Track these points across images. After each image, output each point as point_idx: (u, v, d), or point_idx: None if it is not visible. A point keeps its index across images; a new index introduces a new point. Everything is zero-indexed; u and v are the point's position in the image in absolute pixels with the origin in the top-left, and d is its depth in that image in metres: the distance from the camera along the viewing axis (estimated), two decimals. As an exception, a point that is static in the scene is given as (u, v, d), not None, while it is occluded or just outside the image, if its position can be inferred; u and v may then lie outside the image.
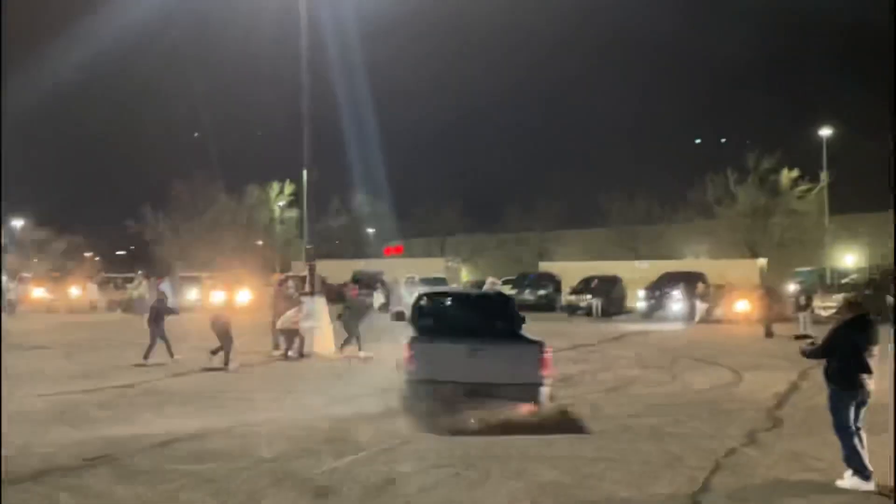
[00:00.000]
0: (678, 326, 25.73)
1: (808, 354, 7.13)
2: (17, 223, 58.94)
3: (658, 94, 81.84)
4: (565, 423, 9.42)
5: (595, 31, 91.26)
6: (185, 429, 8.90)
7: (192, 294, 35.67)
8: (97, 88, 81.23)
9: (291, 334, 15.80)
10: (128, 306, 31.25)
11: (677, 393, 11.78)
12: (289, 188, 55.41)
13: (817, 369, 13.92)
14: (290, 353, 15.72)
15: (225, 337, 14.39)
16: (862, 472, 6.48)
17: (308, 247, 18.78)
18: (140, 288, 31.70)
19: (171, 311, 15.93)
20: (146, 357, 14.73)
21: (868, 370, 6.64)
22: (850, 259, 46.85)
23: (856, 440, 6.58)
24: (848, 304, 7.11)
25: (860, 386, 6.64)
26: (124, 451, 7.80)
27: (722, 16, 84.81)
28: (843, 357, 6.73)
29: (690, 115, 75.21)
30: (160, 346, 14.94)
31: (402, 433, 8.75)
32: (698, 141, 47.37)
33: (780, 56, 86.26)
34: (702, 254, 46.70)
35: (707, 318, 27.20)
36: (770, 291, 25.77)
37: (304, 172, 18.45)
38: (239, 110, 71.19)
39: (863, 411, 6.71)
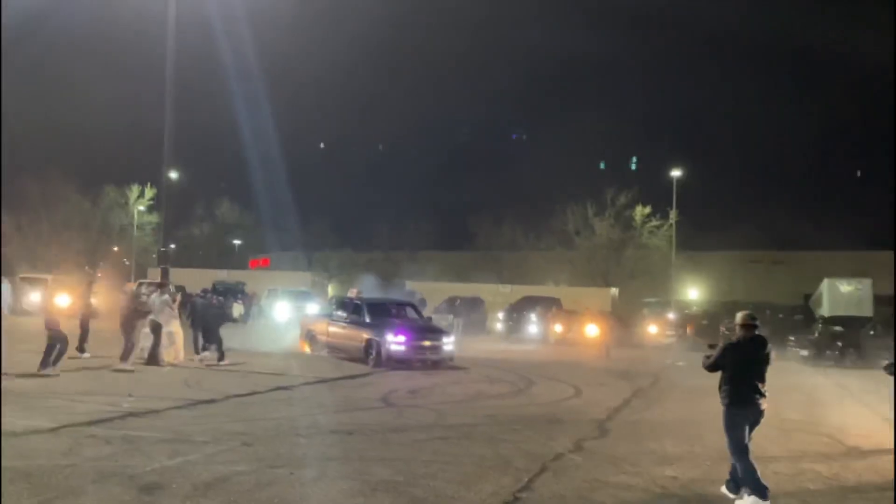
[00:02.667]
0: (533, 346, 26.73)
1: (705, 366, 7.08)
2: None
3: (526, 123, 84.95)
4: (408, 428, 9.67)
5: (463, 52, 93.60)
6: (10, 427, 8.42)
7: (34, 297, 33.37)
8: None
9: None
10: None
11: (520, 405, 12.29)
12: (150, 192, 53.03)
13: (650, 388, 15.11)
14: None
15: (60, 339, 13.61)
16: (759, 491, 6.49)
17: (162, 249, 18.16)
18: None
19: None
20: None
21: (759, 390, 6.71)
22: (693, 293, 50.27)
23: (749, 458, 6.61)
24: (742, 324, 6.91)
25: (752, 404, 6.69)
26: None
27: (592, 50, 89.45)
28: (734, 375, 6.76)
29: (556, 145, 78.52)
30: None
31: (244, 434, 8.69)
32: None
33: (643, 96, 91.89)
34: (561, 281, 48.73)
35: (559, 340, 28.48)
36: (616, 317, 27.36)
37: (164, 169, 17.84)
38: (103, 108, 67.44)
39: (753, 430, 6.75)
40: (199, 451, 7.82)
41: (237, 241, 64.91)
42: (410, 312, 19.47)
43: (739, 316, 6.99)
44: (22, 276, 36.76)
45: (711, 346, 7.21)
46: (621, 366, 19.82)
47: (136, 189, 53.62)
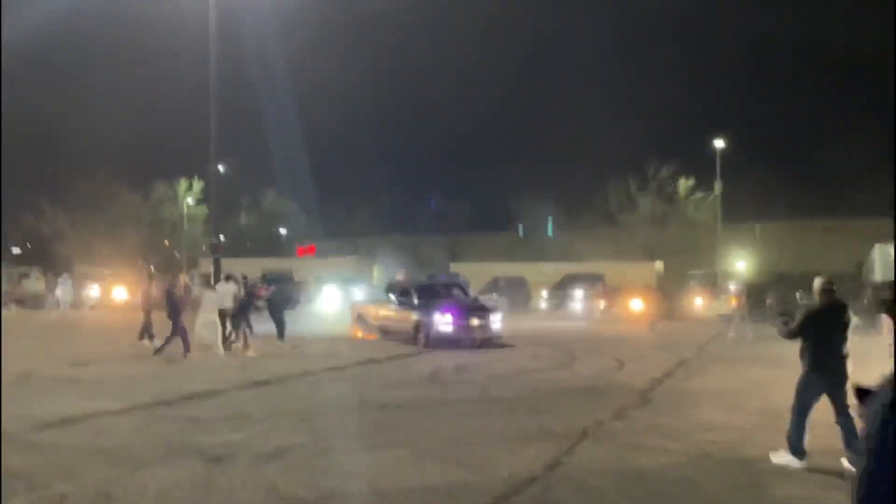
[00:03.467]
0: (577, 323, 26.93)
1: (783, 335, 7.17)
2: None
3: (565, 101, 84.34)
4: (454, 402, 10.08)
5: (500, 29, 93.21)
6: (85, 410, 9.07)
7: (94, 291, 34.77)
8: (-7, 76, 77.33)
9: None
10: (22, 301, 30.25)
11: (564, 379, 12.60)
12: (198, 185, 54.35)
13: (693, 360, 15.26)
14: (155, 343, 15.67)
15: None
16: (798, 452, 6.69)
17: (213, 241, 18.84)
18: (37, 284, 30.70)
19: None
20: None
21: (842, 355, 6.73)
22: (741, 265, 49.71)
23: (803, 421, 6.71)
24: (821, 291, 6.96)
25: (830, 370, 6.71)
26: (17, 428, 7.94)
27: (625, 24, 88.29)
28: (814, 341, 6.83)
29: (595, 124, 77.92)
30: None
31: (299, 410, 9.20)
32: None
33: (682, 69, 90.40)
34: (606, 258, 48.67)
35: (603, 316, 28.61)
36: (661, 291, 27.37)
37: (212, 164, 18.46)
38: (149, 105, 69.27)
39: (842, 394, 6.64)
40: (258, 426, 8.34)
41: (284, 230, 66.07)
42: (458, 293, 19.60)
43: (818, 282, 7.02)
44: (80, 271, 38.27)
45: (784, 315, 7.29)
46: (666, 339, 19.96)
47: (184, 183, 55.03)
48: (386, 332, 18.94)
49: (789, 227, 52.84)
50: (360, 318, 20.28)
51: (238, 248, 59.96)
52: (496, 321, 17.73)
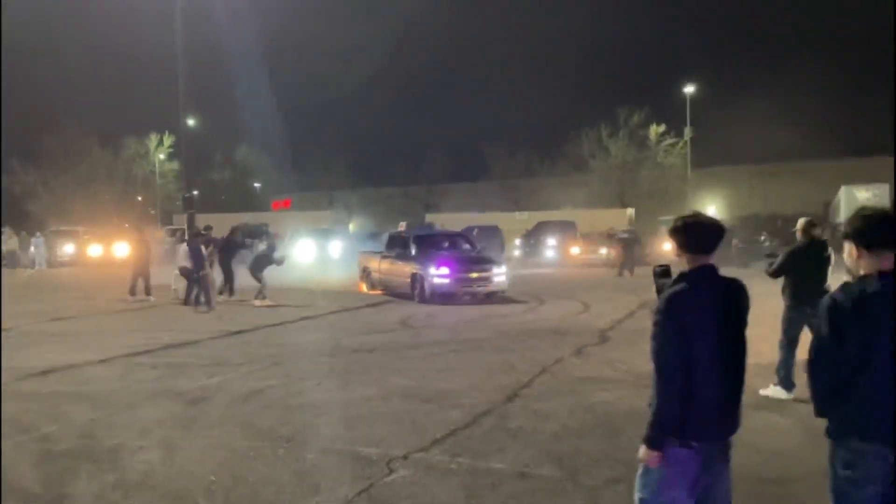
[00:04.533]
0: (550, 270, 27.53)
1: (769, 273, 7.48)
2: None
3: (537, 50, 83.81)
4: (424, 344, 10.56)
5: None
6: (67, 361, 9.42)
7: (68, 248, 34.75)
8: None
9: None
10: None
11: (530, 321, 13.13)
12: (168, 140, 53.81)
13: (654, 299, 15.84)
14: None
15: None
16: (786, 384, 7.13)
17: (186, 195, 18.98)
18: (10, 242, 30.63)
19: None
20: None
21: (822, 290, 6.88)
22: (712, 210, 50.50)
23: (791, 355, 7.13)
24: (804, 229, 7.34)
25: (811, 303, 6.88)
26: (7, 379, 8.28)
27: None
28: (796, 276, 7.21)
29: (568, 70, 77.70)
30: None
31: (274, 356, 9.63)
32: None
33: (653, 14, 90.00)
34: (578, 205, 49.21)
35: (575, 263, 29.22)
36: (627, 239, 27.91)
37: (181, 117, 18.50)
38: (116, 58, 67.89)
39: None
40: (235, 371, 8.76)
41: (257, 185, 65.80)
42: (462, 245, 18.22)
43: (801, 222, 7.44)
44: (53, 229, 38.10)
45: (769, 256, 7.73)
46: (633, 283, 20.57)
47: (154, 138, 54.47)
48: (385, 286, 17.86)
49: (758, 170, 53.62)
50: (364, 272, 19.22)
51: (212, 202, 59.76)
52: (500, 274, 16.42)
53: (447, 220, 40.57)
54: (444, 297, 15.71)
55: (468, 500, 4.64)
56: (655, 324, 3.01)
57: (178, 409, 7.06)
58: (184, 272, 16.07)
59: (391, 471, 5.16)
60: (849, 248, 2.93)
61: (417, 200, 53.91)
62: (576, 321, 13.07)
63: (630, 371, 8.44)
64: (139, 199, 58.11)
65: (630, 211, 43.26)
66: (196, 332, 11.95)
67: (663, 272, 3.22)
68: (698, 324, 2.98)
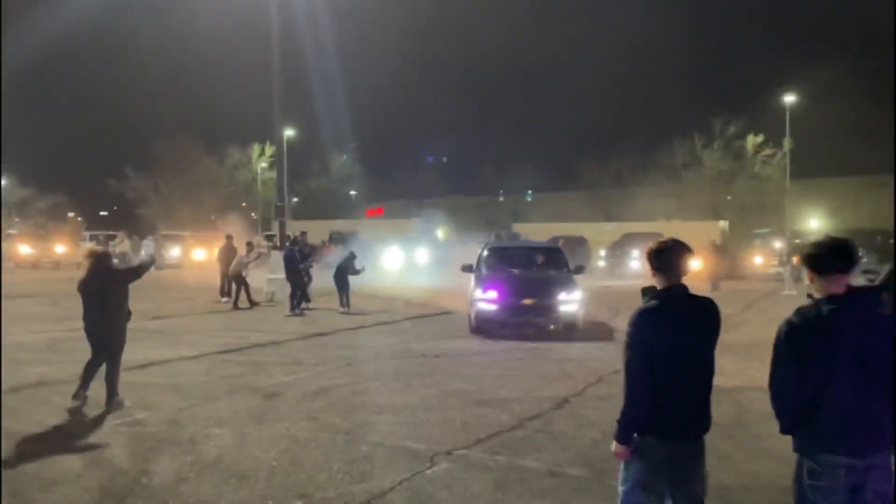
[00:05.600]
0: (634, 281, 27.32)
1: None
2: (2, 182, 59.68)
3: (630, 58, 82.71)
4: (490, 352, 10.99)
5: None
6: (163, 356, 10.36)
7: (175, 252, 36.99)
8: (81, 49, 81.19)
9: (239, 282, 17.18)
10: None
11: (598, 332, 13.31)
12: (270, 149, 56.22)
13: (735, 315, 15.69)
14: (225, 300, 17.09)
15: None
16: None
17: (279, 204, 20.06)
18: (122, 245, 32.88)
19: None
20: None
21: None
22: (813, 222, 48.58)
23: None
24: None
25: None
26: (101, 370, 9.21)
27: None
28: None
29: (662, 81, 76.37)
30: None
31: (347, 357, 10.27)
32: None
33: (750, 23, 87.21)
34: (671, 217, 48.33)
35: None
36: (719, 250, 27.39)
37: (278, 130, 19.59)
38: (224, 72, 71.55)
39: None
40: (309, 370, 9.45)
41: (353, 192, 67.76)
42: (547, 260, 14.59)
43: None
44: (162, 233, 40.62)
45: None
46: (717, 296, 20.23)
47: (257, 148, 57.04)
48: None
49: (865, 182, 51.18)
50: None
51: (311, 209, 61.98)
52: (569, 301, 12.69)
53: (533, 231, 40.84)
54: (491, 326, 12.81)
55: (496, 492, 5.05)
56: (627, 335, 3.39)
57: (254, 402, 7.76)
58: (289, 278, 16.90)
59: (433, 464, 5.63)
60: (806, 273, 3.21)
61: (506, 209, 54.20)
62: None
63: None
64: (243, 205, 60.93)
65: (723, 223, 42.24)
66: (281, 334, 12.78)
67: (646, 291, 3.57)
68: (663, 336, 3.33)
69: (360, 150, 60.69)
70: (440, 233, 51.81)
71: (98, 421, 7.02)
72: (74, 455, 5.93)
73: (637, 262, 30.66)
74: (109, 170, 55.24)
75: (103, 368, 7.70)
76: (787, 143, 44.46)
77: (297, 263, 16.51)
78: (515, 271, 13.81)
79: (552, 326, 12.81)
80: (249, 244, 18.92)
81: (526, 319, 12.81)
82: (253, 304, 17.15)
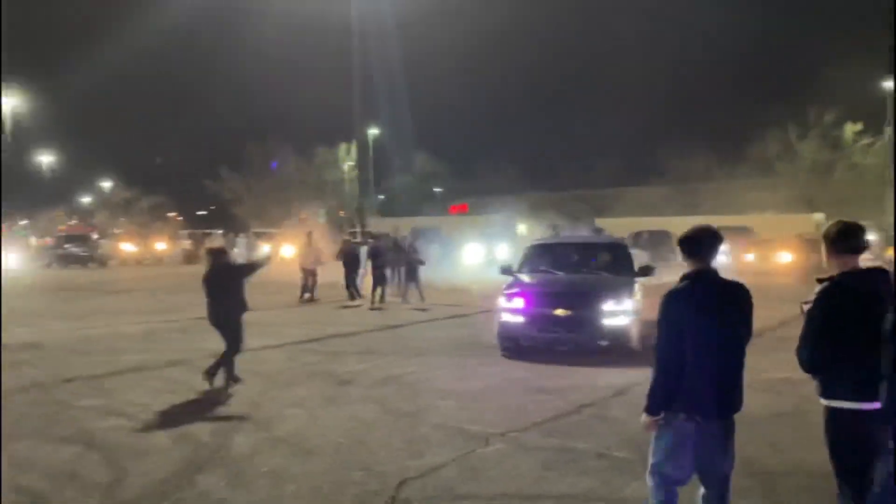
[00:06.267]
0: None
1: None
2: (107, 184, 63.45)
3: (716, 44, 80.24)
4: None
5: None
6: (249, 345, 11.02)
7: (266, 248, 38.57)
8: (178, 59, 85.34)
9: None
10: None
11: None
12: (355, 149, 57.62)
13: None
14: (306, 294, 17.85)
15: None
16: None
17: (358, 203, 20.68)
18: (216, 242, 34.56)
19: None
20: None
21: None
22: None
23: None
24: None
25: None
26: (192, 356, 9.97)
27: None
28: None
29: (751, 68, 73.75)
30: None
31: (419, 348, 10.71)
32: None
33: (845, 5, 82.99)
34: (765, 210, 46.84)
35: (750, 269, 28.21)
36: (809, 243, 26.52)
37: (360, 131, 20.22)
38: (312, 76, 73.73)
39: None
40: (382, 359, 9.94)
41: (438, 189, 68.62)
42: (609, 258, 11.49)
43: None
44: (254, 230, 42.42)
45: None
46: (803, 291, 19.70)
47: (343, 147, 58.58)
48: None
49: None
50: None
51: (395, 207, 63.16)
52: (617, 312, 9.89)
53: (616, 225, 40.42)
54: (517, 342, 10.22)
55: (543, 471, 5.34)
56: (658, 314, 3.63)
57: (328, 387, 8.28)
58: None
59: (487, 445, 5.96)
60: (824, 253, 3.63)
61: (589, 204, 53.63)
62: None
63: (756, 377, 8.55)
64: (332, 203, 62.69)
65: (818, 216, 40.63)
66: (359, 326, 13.37)
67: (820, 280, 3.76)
68: (691, 317, 3.54)
69: (444, 148, 61.40)
70: (521, 228, 51.88)
71: (189, 402, 7.66)
72: (165, 430, 6.55)
73: (723, 257, 29.93)
74: (206, 171, 57.96)
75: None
76: (888, 130, 42.44)
77: (382, 258, 17.17)
78: (559, 274, 11.09)
79: (600, 343, 9.83)
80: (309, 234, 19.63)
81: (558, 335, 9.91)
82: (312, 299, 17.96)
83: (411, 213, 56.69)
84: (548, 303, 10.05)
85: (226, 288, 8.41)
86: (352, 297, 17.40)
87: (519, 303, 10.16)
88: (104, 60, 52.15)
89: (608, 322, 9.80)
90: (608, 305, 9.87)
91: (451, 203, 67.76)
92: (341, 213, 60.15)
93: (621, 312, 9.87)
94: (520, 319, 10.08)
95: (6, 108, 47.77)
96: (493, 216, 46.87)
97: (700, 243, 3.84)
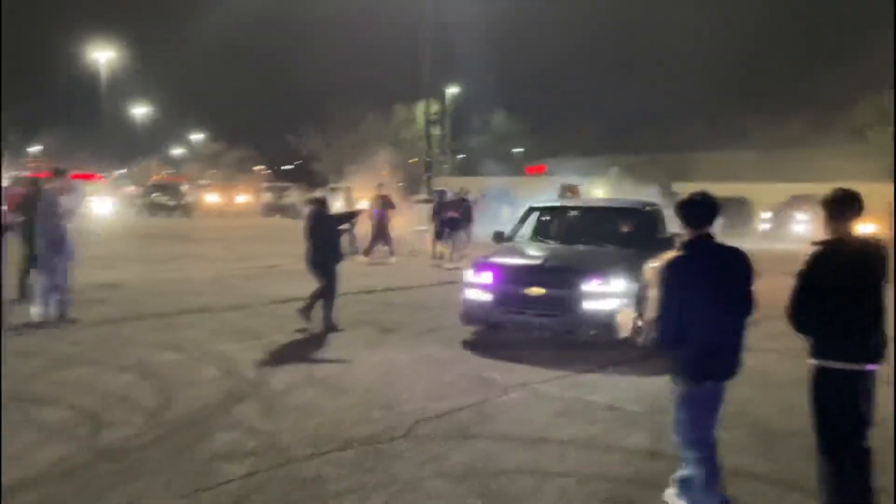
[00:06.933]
0: (793, 245, 26.01)
1: None
2: (198, 137, 65.92)
3: (808, 7, 75.92)
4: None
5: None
6: (303, 293, 11.62)
7: (338, 203, 39.50)
8: (265, 19, 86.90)
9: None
10: (284, 211, 35.54)
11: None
12: (434, 107, 57.77)
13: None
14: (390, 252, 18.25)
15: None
16: None
17: (427, 159, 21.03)
18: (291, 196, 35.66)
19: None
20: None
21: None
22: None
23: None
24: None
25: None
26: (253, 302, 10.60)
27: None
28: None
29: (836, 33, 69.62)
30: None
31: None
32: None
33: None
34: (856, 178, 44.74)
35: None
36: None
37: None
38: (391, 31, 73.96)
39: None
40: (427, 312, 10.36)
41: (517, 150, 68.28)
42: (626, 227, 9.37)
43: None
44: (331, 186, 43.46)
45: None
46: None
47: (421, 105, 58.88)
48: None
49: None
50: None
51: (473, 167, 63.32)
52: (601, 294, 7.83)
53: (692, 191, 39.39)
54: (482, 322, 8.58)
55: (553, 418, 5.62)
56: (660, 278, 3.83)
57: (372, 334, 8.75)
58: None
59: (506, 393, 6.27)
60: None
61: (668, 167, 52.35)
62: (773, 294, 12.85)
63: (784, 343, 8.53)
64: (409, 161, 63.30)
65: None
66: (415, 280, 13.81)
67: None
68: (693, 284, 3.73)
69: (525, 108, 60.86)
70: (598, 192, 51.12)
71: (241, 343, 8.22)
72: (214, 365, 7.11)
73: (801, 226, 29.03)
74: (289, 127, 59.39)
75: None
76: None
77: (443, 214, 17.47)
78: (551, 244, 9.34)
79: (580, 331, 7.93)
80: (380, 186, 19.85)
81: (527, 318, 8.10)
82: (367, 253, 18.00)
83: (489, 173, 56.80)
84: (519, 279, 8.20)
85: (323, 235, 9.11)
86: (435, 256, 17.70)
87: (487, 277, 8.35)
88: (197, 19, 53.82)
89: (590, 306, 7.80)
90: (590, 286, 7.83)
91: (529, 164, 67.30)
92: (411, 161, 60.20)
93: (609, 295, 7.79)
94: (487, 297, 8.29)
95: (104, 61, 50.14)
96: (566, 179, 46.47)
97: (698, 210, 3.94)
